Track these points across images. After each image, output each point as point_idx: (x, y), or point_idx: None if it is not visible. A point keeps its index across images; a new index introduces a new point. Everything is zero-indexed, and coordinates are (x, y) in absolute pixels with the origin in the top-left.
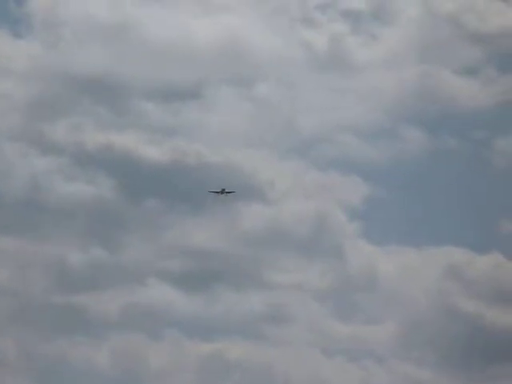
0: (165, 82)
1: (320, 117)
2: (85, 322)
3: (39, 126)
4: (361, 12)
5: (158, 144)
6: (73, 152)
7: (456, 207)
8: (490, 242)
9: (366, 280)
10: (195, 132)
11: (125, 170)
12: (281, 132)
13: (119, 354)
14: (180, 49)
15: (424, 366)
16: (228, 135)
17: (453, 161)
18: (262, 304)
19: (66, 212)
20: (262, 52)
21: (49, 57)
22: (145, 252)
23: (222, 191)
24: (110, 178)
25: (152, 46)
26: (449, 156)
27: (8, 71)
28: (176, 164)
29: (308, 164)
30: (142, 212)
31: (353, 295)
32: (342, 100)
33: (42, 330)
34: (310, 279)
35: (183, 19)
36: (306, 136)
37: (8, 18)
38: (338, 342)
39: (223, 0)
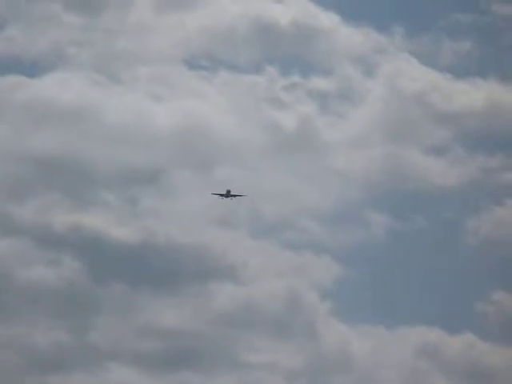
0: (124, 167)
1: (285, 201)
2: None
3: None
4: (328, 92)
5: (123, 227)
6: (36, 233)
7: (428, 287)
8: (463, 323)
9: (338, 360)
10: (155, 217)
11: (92, 251)
12: (244, 216)
13: None
14: (139, 133)
15: None
16: (189, 219)
17: (424, 241)
18: None
19: (35, 294)
20: (225, 135)
21: (9, 139)
22: (114, 334)
23: (228, 194)
24: (77, 259)
25: (111, 130)
26: (419, 236)
27: None
28: (145, 245)
29: (277, 245)
30: (111, 293)
31: (325, 375)
32: (308, 182)
33: None
34: (283, 359)
35: (144, 103)
36: (270, 221)
37: None
38: None
39: (186, 83)
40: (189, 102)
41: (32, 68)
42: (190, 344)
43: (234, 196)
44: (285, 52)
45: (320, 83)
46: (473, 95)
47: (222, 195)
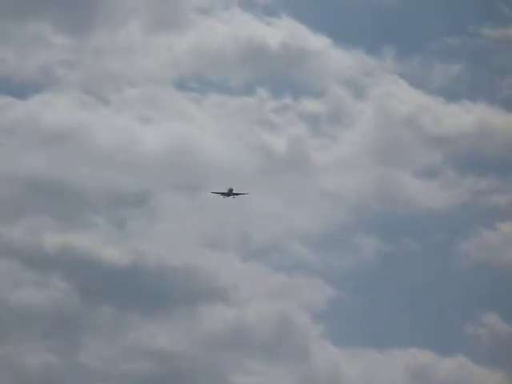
0: (113, 188)
1: (275, 223)
2: None
3: None
4: (319, 114)
5: (112, 248)
6: (25, 255)
7: (419, 310)
8: (454, 345)
9: (330, 382)
10: (145, 239)
11: (82, 273)
12: (234, 238)
13: None
14: (128, 155)
15: None
16: (178, 241)
17: (414, 264)
18: None
19: (25, 315)
20: (214, 157)
21: None
22: (104, 355)
23: (230, 192)
24: (67, 280)
25: (100, 152)
26: (410, 259)
27: None
28: (135, 267)
29: (268, 268)
30: (101, 314)
31: None
32: (299, 205)
33: None
34: (274, 381)
35: (132, 124)
36: (260, 243)
37: None
38: None
39: (176, 104)
40: (178, 124)
41: (21, 89)
42: (180, 366)
43: (236, 194)
44: (275, 74)
45: (310, 105)
46: (463, 118)
47: (223, 194)
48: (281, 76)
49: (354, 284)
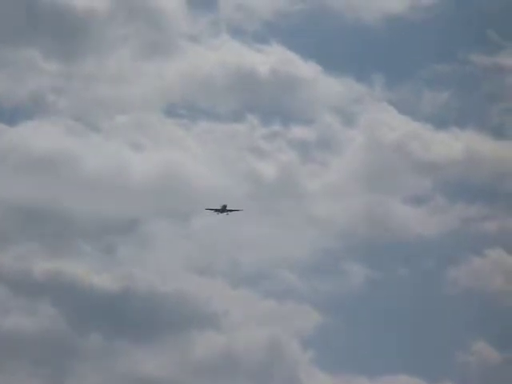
0: (102, 215)
1: (264, 250)
2: None
3: None
4: (308, 141)
5: (101, 275)
6: (14, 282)
7: (409, 337)
8: (444, 372)
9: None
10: (134, 266)
11: (71, 299)
12: (223, 265)
13: None
14: (117, 182)
15: None
16: (167, 268)
17: (403, 290)
18: None
19: (14, 342)
20: (204, 184)
21: None
22: (94, 382)
23: (223, 209)
24: (56, 307)
25: (90, 179)
26: (399, 285)
27: None
28: (124, 293)
29: (257, 294)
30: (90, 341)
31: None
32: (289, 231)
33: None
34: None
35: (122, 151)
36: (250, 270)
37: None
38: None
39: (165, 131)
40: (167, 151)
41: (11, 115)
42: None
43: (230, 211)
44: (265, 101)
45: (300, 132)
46: (452, 145)
47: (217, 210)
48: (270, 103)
49: (342, 310)
